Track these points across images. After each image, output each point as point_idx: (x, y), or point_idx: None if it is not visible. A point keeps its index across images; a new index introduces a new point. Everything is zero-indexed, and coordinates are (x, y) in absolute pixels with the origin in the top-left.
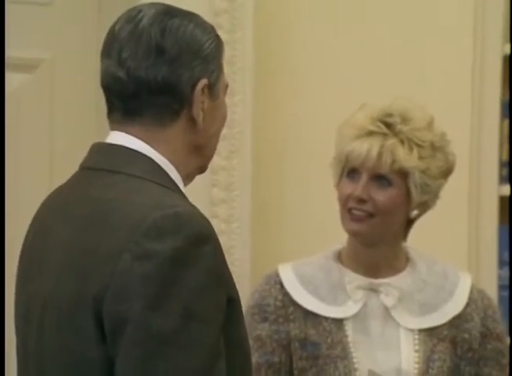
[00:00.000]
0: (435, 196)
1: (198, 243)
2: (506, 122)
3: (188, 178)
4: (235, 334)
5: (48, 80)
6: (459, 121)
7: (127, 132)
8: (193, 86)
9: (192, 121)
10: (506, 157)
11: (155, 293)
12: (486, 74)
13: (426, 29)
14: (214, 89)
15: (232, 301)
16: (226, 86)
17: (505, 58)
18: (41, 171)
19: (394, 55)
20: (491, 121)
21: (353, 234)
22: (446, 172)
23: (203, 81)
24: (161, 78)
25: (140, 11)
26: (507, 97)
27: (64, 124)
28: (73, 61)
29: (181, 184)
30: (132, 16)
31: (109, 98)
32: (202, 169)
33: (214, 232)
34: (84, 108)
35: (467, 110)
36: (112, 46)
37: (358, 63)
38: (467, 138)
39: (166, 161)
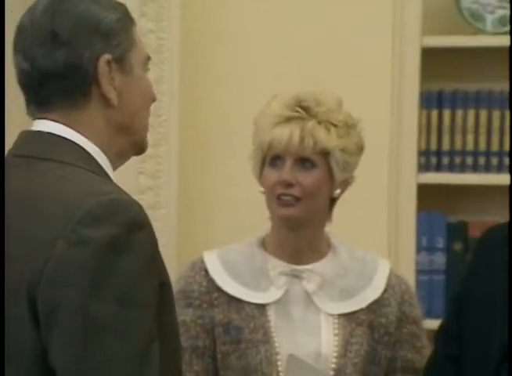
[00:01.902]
0: (353, 172)
1: (133, 230)
2: (425, 112)
3: (120, 158)
4: (168, 318)
5: None
6: (380, 112)
7: (49, 119)
8: (96, 63)
9: (105, 98)
10: (424, 146)
11: (91, 280)
12: (405, 65)
13: (346, 22)
14: (125, 64)
15: (164, 285)
16: (146, 59)
17: (423, 50)
18: None
19: (315, 47)
20: (410, 112)
21: (284, 219)
22: (360, 149)
23: (105, 57)
24: (62, 62)
25: (39, 0)
26: (426, 88)
27: None
28: None
29: (109, 169)
30: (32, 7)
31: (23, 92)
32: (137, 148)
33: (148, 218)
34: None
35: (387, 100)
36: (18, 39)
37: (281, 52)
38: (387, 128)
39: (92, 145)
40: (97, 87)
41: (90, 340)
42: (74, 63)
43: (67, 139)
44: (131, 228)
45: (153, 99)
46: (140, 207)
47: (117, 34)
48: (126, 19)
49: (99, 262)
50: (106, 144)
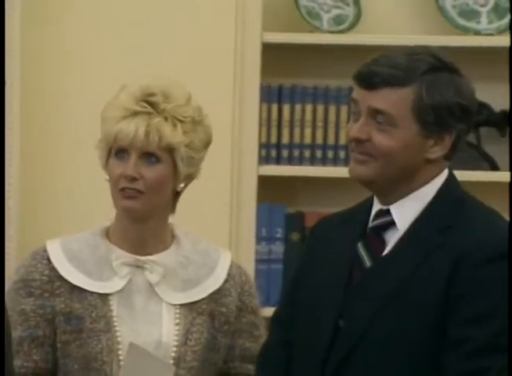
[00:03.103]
0: (198, 167)
1: None
2: (265, 106)
3: None
4: None
5: None
6: (222, 105)
7: None
8: None
9: None
10: (264, 139)
11: None
12: (246, 61)
13: (189, 18)
14: None
15: None
16: None
17: (264, 46)
18: None
19: (160, 42)
20: (251, 105)
21: (126, 211)
22: (206, 144)
23: None
24: None
25: None
26: (266, 83)
27: None
28: None
29: None
30: None
31: None
32: None
33: None
34: None
35: (229, 94)
36: None
37: (123, 44)
38: (229, 121)
39: None
40: None
41: None
42: None
43: None
44: None
45: None
46: None
47: None
48: None
49: None
50: None
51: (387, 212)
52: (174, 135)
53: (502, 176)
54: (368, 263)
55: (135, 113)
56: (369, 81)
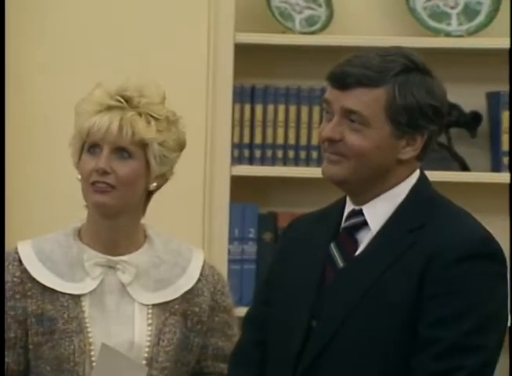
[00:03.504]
0: (171, 168)
1: None
2: (238, 107)
3: None
4: None
5: None
6: (195, 106)
7: None
8: None
9: None
10: (237, 139)
11: None
12: (219, 61)
13: (163, 19)
14: None
15: None
16: None
17: (236, 46)
18: None
19: (134, 43)
20: (224, 106)
21: (97, 205)
22: (180, 146)
23: None
24: None
25: None
26: (239, 83)
27: None
28: None
29: None
30: None
31: None
32: None
33: None
34: None
35: (203, 95)
36: None
37: (97, 44)
38: (202, 121)
39: None
40: None
41: None
42: None
43: None
44: None
45: None
46: None
47: None
48: None
49: None
50: None
51: (360, 213)
52: (147, 131)
53: (472, 176)
54: (341, 264)
55: (109, 108)
56: (342, 81)
